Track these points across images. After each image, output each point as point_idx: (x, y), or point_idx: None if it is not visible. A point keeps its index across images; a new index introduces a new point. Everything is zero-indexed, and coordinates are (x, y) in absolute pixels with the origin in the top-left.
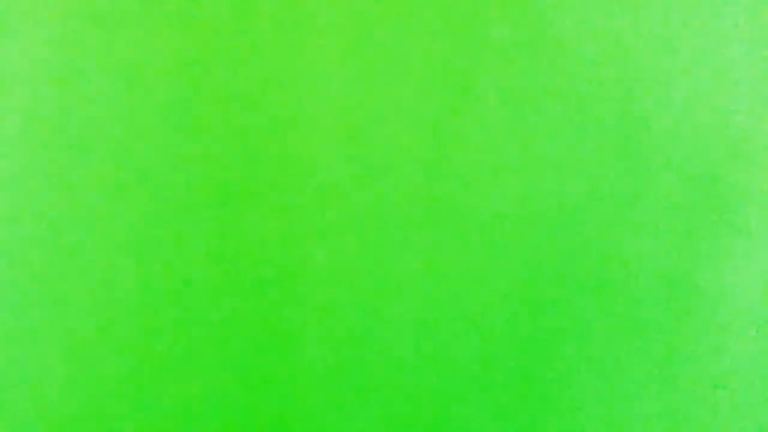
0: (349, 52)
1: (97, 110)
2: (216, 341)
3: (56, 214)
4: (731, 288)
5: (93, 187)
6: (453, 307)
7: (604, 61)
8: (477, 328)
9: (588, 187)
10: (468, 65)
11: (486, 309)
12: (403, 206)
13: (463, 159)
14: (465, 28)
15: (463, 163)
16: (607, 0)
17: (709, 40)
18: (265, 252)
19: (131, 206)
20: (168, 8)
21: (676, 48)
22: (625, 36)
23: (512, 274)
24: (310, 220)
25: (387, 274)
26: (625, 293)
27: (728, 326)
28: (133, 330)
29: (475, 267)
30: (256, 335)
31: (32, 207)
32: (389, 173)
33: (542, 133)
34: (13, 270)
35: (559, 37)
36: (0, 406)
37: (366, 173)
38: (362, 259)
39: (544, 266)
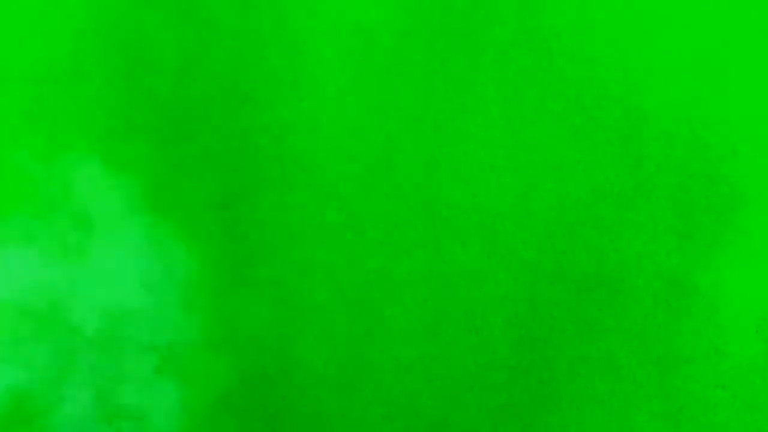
0: (350, 51)
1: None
2: (213, 342)
3: None
4: (731, 288)
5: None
6: (453, 307)
7: (604, 61)
8: (477, 328)
9: (588, 186)
10: (468, 65)
11: (486, 309)
12: (403, 206)
13: (463, 159)
14: (465, 28)
15: (463, 163)
16: (608, 0)
17: (709, 40)
18: (264, 252)
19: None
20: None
21: (676, 48)
22: (625, 36)
23: (512, 274)
24: (309, 220)
25: (387, 274)
26: (624, 293)
27: (728, 326)
28: None
29: (475, 267)
30: (254, 335)
31: None
32: (389, 173)
33: (542, 133)
34: None
35: (559, 37)
36: None
37: (366, 173)
38: (362, 259)
39: (544, 266)
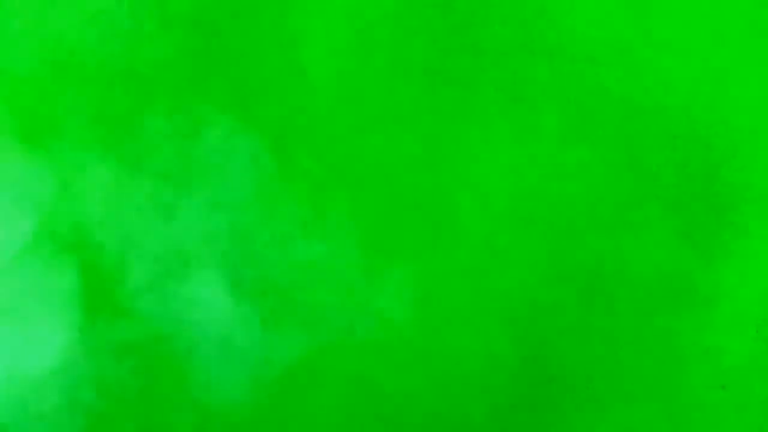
0: (350, 51)
1: None
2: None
3: None
4: (731, 288)
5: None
6: (453, 307)
7: (604, 61)
8: (477, 328)
9: (588, 187)
10: (468, 65)
11: (486, 309)
12: (403, 206)
13: (463, 159)
14: (465, 28)
15: (463, 163)
16: (608, 0)
17: (710, 40)
18: (264, 253)
19: None
20: None
21: (676, 48)
22: (625, 36)
23: (512, 274)
24: (308, 220)
25: (386, 274)
26: (624, 293)
27: (728, 326)
28: None
29: (475, 267)
30: (258, 338)
31: None
32: (389, 173)
33: (542, 132)
34: None
35: (560, 37)
36: None
37: (365, 173)
38: (361, 259)
39: (544, 266)
